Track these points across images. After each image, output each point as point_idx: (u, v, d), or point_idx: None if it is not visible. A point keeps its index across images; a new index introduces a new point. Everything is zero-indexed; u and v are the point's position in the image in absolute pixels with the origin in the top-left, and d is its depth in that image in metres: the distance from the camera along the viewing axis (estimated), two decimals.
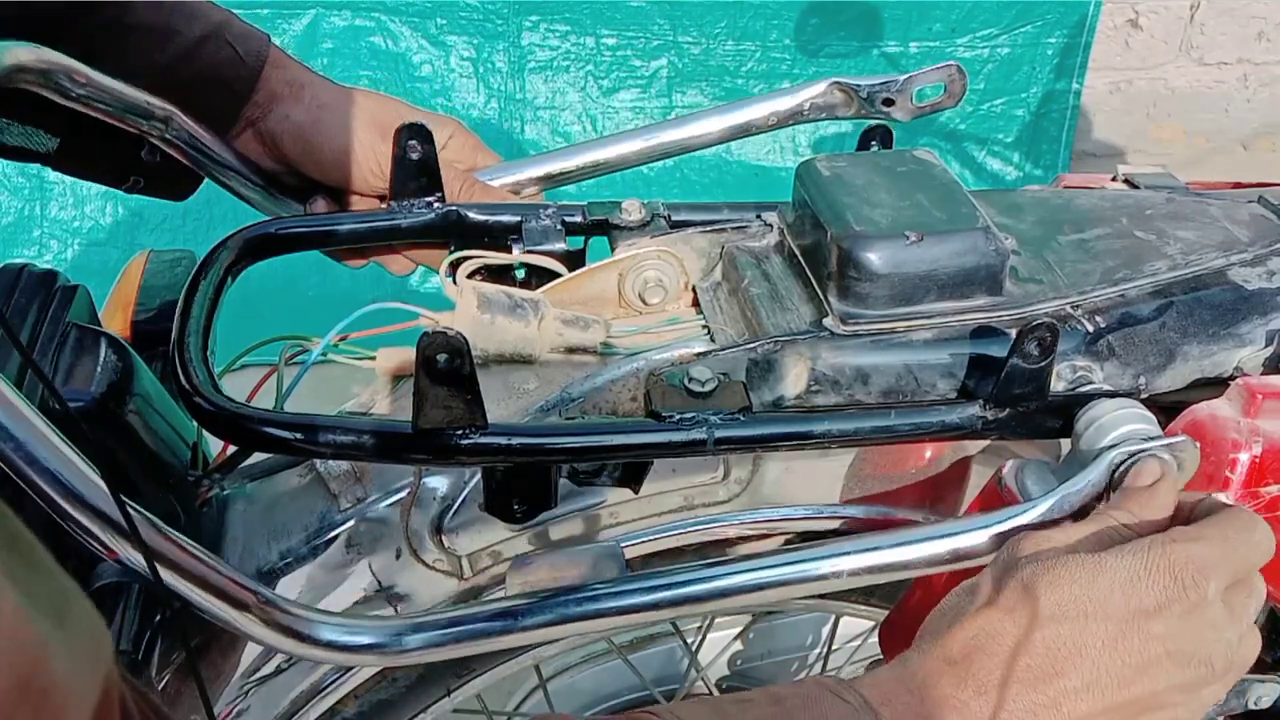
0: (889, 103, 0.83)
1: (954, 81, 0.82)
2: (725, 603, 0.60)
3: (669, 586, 0.60)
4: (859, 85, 0.83)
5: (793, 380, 0.63)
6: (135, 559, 0.53)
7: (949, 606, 0.55)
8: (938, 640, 0.53)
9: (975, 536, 0.60)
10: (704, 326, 0.70)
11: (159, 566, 0.52)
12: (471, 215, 0.77)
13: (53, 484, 0.51)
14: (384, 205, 0.80)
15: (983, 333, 0.64)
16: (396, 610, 0.69)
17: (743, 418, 0.60)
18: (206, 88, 0.76)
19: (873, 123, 0.82)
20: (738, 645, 1.09)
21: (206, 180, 0.81)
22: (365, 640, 0.58)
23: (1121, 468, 0.59)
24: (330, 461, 0.70)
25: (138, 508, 0.53)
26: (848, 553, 0.60)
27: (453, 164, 0.80)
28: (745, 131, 0.83)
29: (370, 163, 0.79)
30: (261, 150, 0.80)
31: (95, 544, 0.52)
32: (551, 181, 0.83)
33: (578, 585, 0.60)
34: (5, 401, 0.50)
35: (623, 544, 0.69)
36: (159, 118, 0.73)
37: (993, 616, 0.51)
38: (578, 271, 0.73)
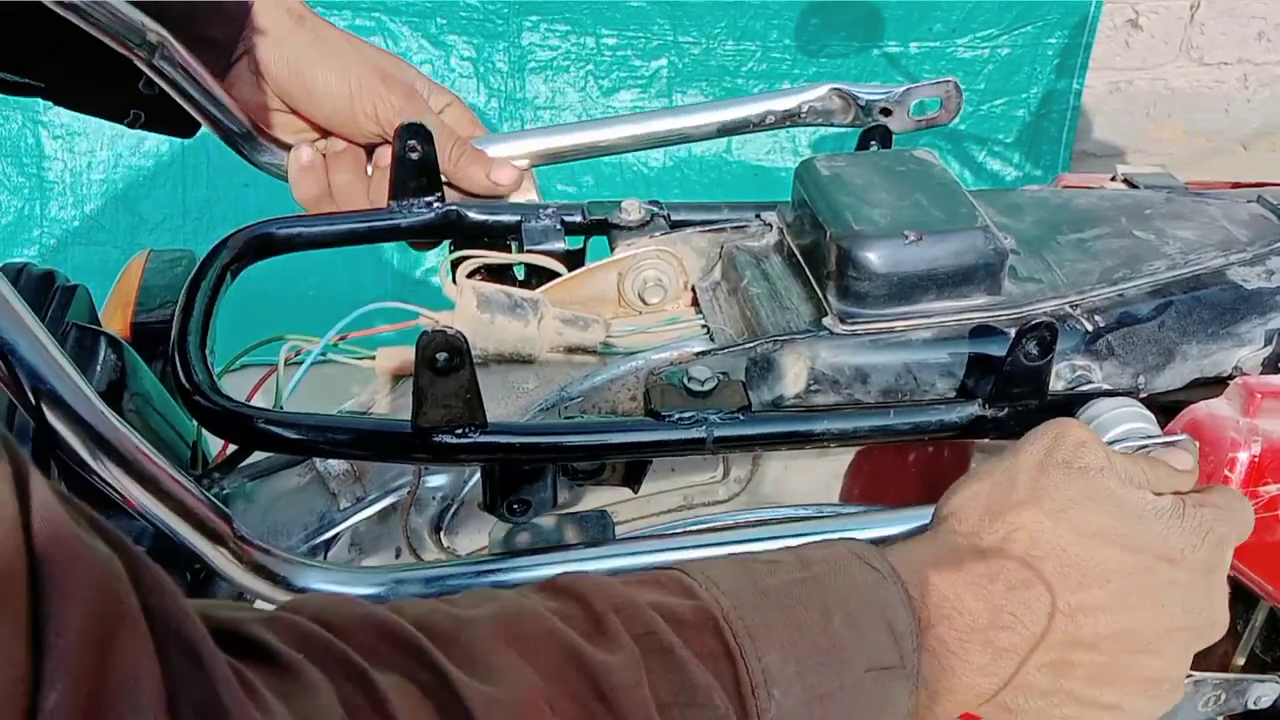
0: (886, 112, 0.83)
1: (950, 98, 0.83)
2: None
3: (655, 551, 0.59)
4: (858, 94, 0.83)
5: (792, 379, 0.63)
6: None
7: (982, 489, 0.54)
8: (971, 523, 0.53)
9: None
10: (703, 326, 0.70)
11: (132, 485, 0.50)
12: (471, 215, 0.77)
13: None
14: (370, 163, 0.79)
15: (982, 332, 0.64)
16: None
17: (742, 417, 0.60)
18: (202, 12, 0.74)
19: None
20: None
21: (208, 181, 0.81)
22: (358, 590, 0.57)
23: None
24: (329, 461, 0.70)
25: (113, 414, 0.50)
26: (847, 529, 0.60)
27: (448, 130, 0.79)
28: (742, 128, 0.83)
29: (365, 104, 0.77)
30: (254, 82, 0.78)
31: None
32: (544, 158, 0.82)
33: (565, 545, 0.60)
34: None
35: None
36: (150, 42, 0.71)
37: (1035, 516, 0.52)
38: (577, 271, 0.74)
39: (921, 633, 0.48)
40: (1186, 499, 0.55)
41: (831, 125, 0.85)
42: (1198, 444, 0.61)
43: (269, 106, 0.79)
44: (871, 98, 0.83)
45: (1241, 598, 0.91)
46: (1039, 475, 0.53)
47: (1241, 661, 0.92)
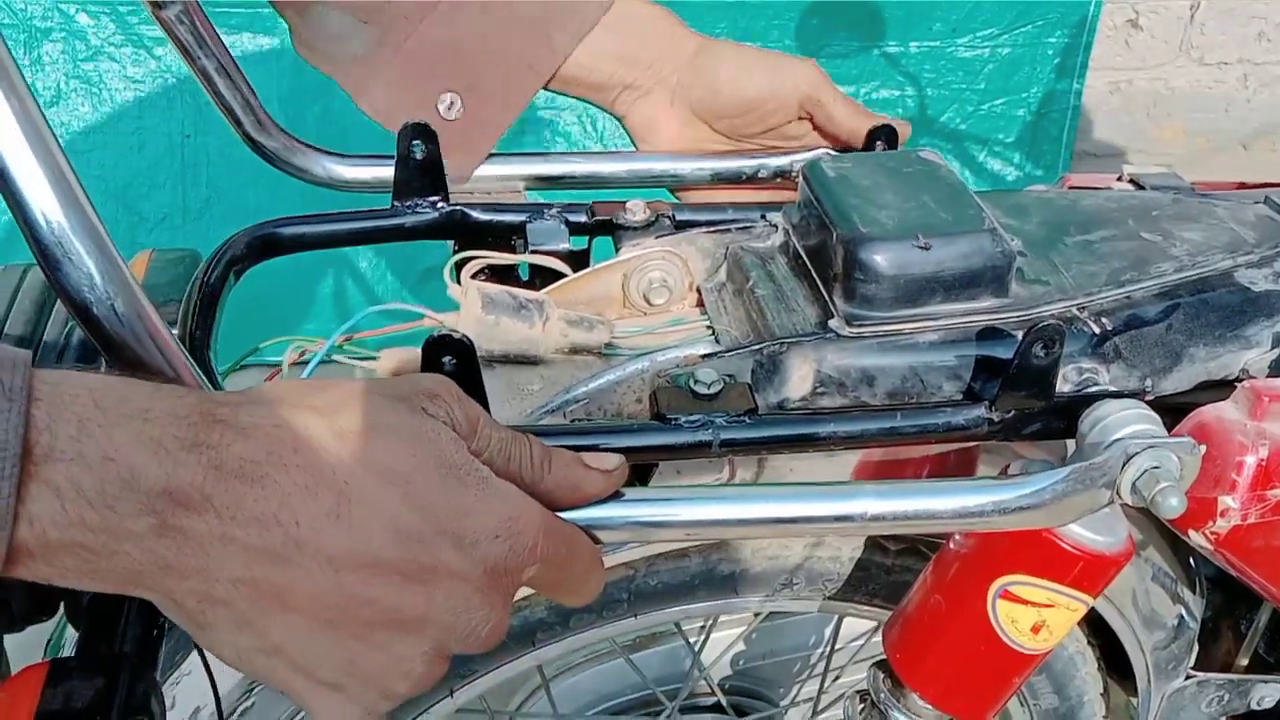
0: None
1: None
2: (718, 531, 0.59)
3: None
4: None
5: (798, 382, 0.63)
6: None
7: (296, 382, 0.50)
8: (239, 397, 0.46)
9: (1000, 495, 0.59)
10: (709, 328, 0.69)
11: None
12: (475, 215, 0.77)
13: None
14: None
15: (988, 334, 0.64)
16: None
17: (748, 420, 0.60)
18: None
19: (878, 122, 0.82)
20: (741, 645, 1.09)
21: (208, 181, 0.80)
22: None
23: (1135, 458, 0.58)
24: None
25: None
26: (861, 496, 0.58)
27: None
28: (735, 179, 0.86)
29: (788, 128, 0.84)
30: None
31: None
32: (537, 182, 0.83)
33: None
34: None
35: (627, 545, 0.69)
36: None
37: (318, 422, 0.46)
38: (582, 272, 0.73)
39: (35, 463, 0.39)
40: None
41: None
42: (1203, 447, 0.61)
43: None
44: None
45: (1245, 599, 0.91)
46: (358, 394, 0.46)
47: (1245, 662, 0.92)
